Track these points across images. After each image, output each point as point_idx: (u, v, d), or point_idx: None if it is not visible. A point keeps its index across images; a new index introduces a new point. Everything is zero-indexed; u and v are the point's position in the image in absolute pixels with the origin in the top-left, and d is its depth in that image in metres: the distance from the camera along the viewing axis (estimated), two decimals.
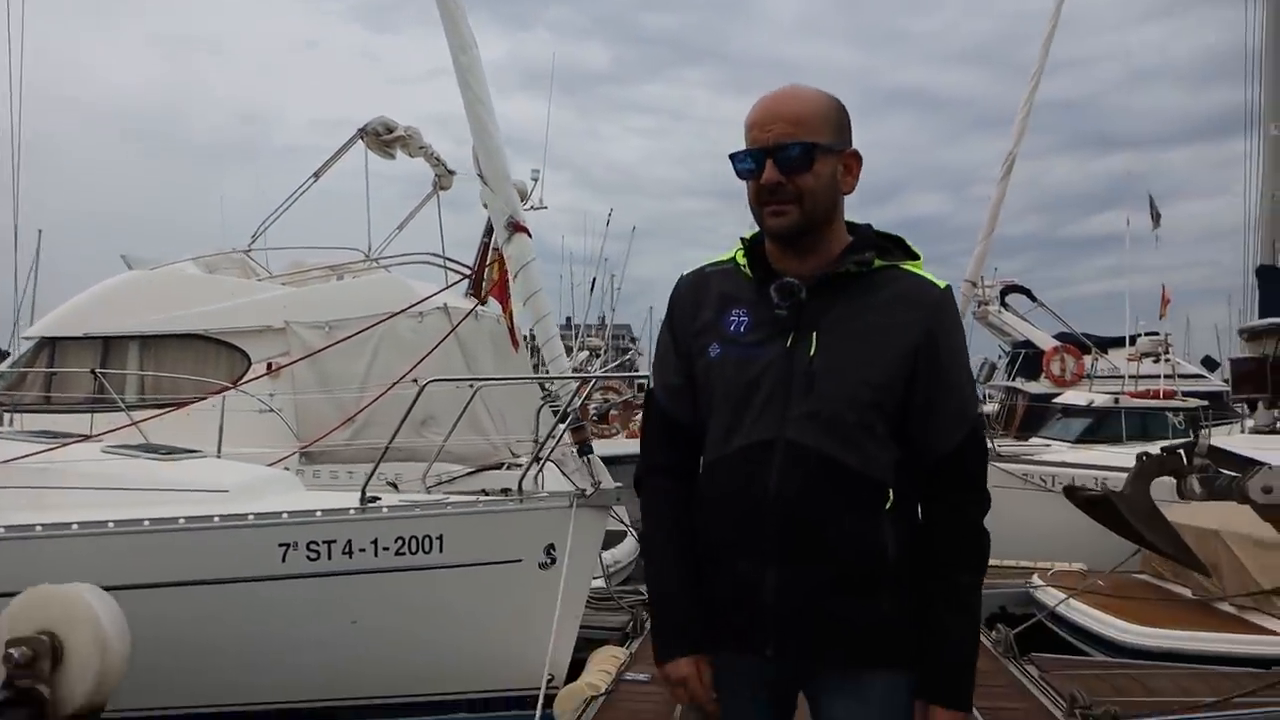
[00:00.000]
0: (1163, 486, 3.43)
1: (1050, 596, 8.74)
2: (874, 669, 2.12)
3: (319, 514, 6.01)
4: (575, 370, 15.64)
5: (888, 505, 2.09)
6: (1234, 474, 3.17)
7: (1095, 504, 3.59)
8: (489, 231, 11.87)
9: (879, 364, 2.10)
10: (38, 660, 1.41)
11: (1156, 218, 25.99)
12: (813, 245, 2.18)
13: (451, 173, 12.54)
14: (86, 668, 1.46)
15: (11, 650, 1.37)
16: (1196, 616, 7.77)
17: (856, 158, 2.20)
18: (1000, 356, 28.46)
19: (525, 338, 11.38)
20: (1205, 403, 17.23)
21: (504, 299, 11.34)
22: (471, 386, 8.34)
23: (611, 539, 10.39)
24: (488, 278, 11.53)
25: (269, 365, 10.47)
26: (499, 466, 10.01)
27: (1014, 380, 25.77)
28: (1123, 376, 20.93)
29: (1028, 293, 27.92)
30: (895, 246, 2.25)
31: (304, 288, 11.21)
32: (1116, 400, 17.44)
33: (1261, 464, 3.14)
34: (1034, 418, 21.57)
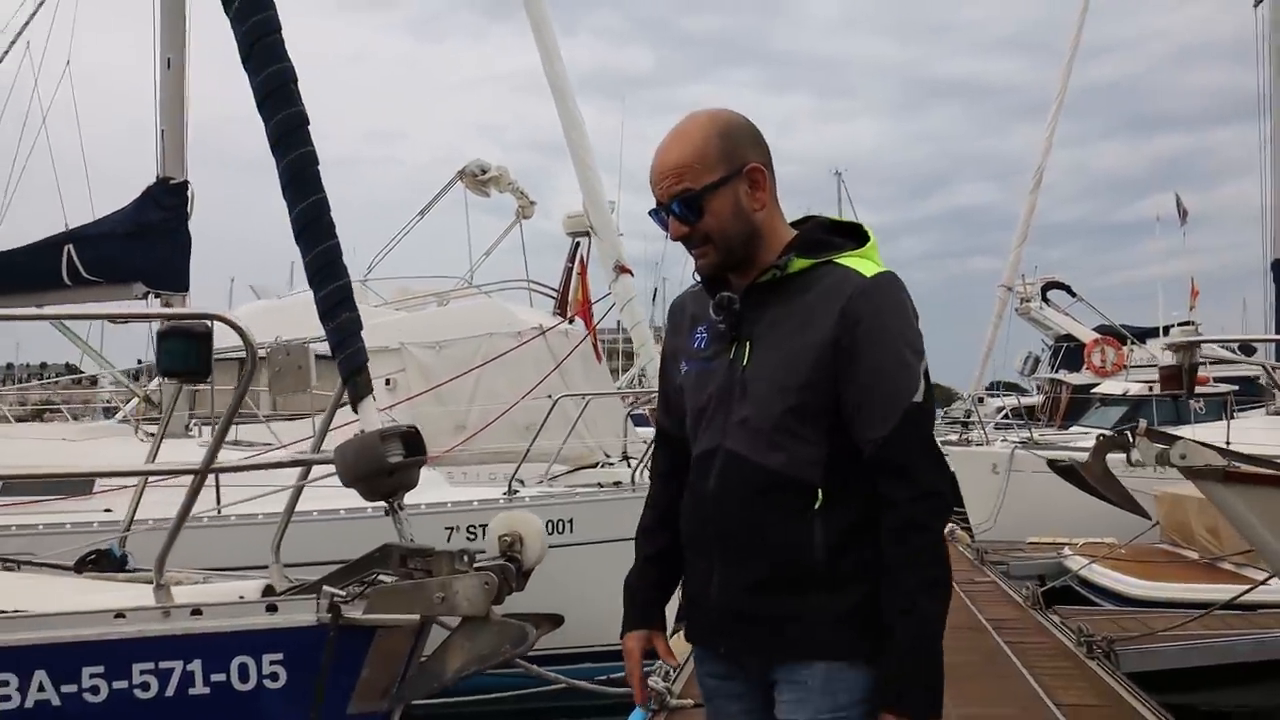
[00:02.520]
0: (1116, 460, 4.85)
1: (1077, 563, 10.15)
2: (811, 663, 2.10)
3: (475, 503, 7.56)
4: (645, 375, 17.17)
5: (816, 505, 2.09)
6: (1164, 446, 4.57)
7: (1067, 472, 5.03)
8: (572, 256, 13.48)
9: (797, 365, 2.10)
10: (514, 543, 2.81)
11: (1184, 214, 27.06)
12: (749, 259, 2.20)
13: (533, 203, 14.12)
14: (533, 546, 2.77)
15: (504, 536, 2.75)
16: (1197, 573, 9.19)
17: (759, 171, 2.18)
18: (1043, 350, 29.59)
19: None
20: (1235, 387, 18.32)
21: (588, 317, 12.87)
22: (583, 399, 9.97)
23: None
24: (573, 299, 13.08)
25: (387, 381, 12.07)
26: (594, 465, 11.49)
27: (1057, 373, 26.90)
28: (1157, 365, 22.01)
29: (1067, 289, 29.00)
30: (844, 237, 2.23)
31: (414, 313, 12.82)
32: (1150, 389, 18.59)
33: (1178, 438, 4.53)
34: (1077, 408, 22.66)
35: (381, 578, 3.02)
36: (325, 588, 2.99)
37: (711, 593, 2.22)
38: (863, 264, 2.16)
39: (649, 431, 14.16)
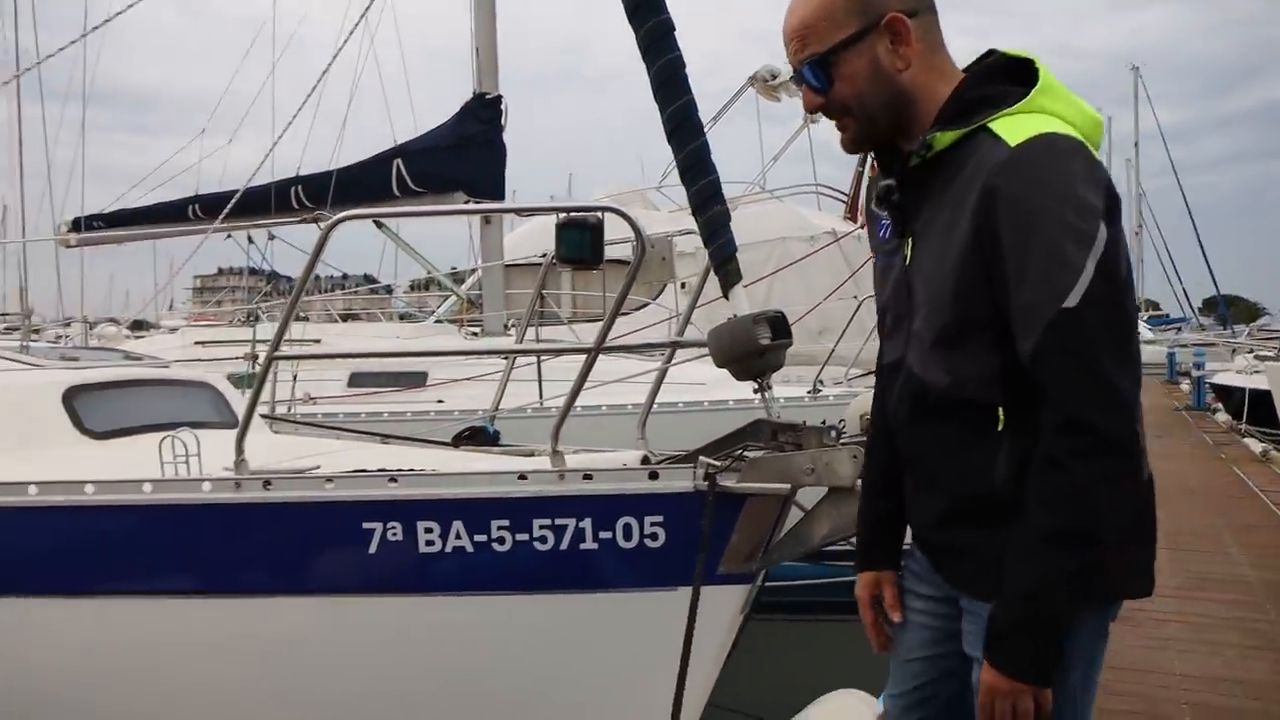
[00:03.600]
0: None
1: None
2: (987, 601, 1.79)
3: (781, 400, 7.78)
4: None
5: (998, 427, 1.77)
6: None
7: None
8: (863, 160, 13.35)
9: (946, 271, 1.78)
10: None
11: None
12: (904, 129, 1.88)
13: None
14: None
15: (865, 415, 2.97)
16: None
17: (900, 22, 1.81)
18: None
19: None
20: None
21: None
22: (856, 297, 10.06)
23: None
24: (864, 204, 13.02)
25: (682, 284, 12.47)
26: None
27: None
28: None
29: None
30: (1015, 81, 1.82)
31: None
32: None
33: None
34: None
35: (751, 451, 3.27)
36: (701, 458, 3.27)
37: (910, 515, 2.02)
38: (1016, 126, 1.74)
39: None
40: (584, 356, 3.39)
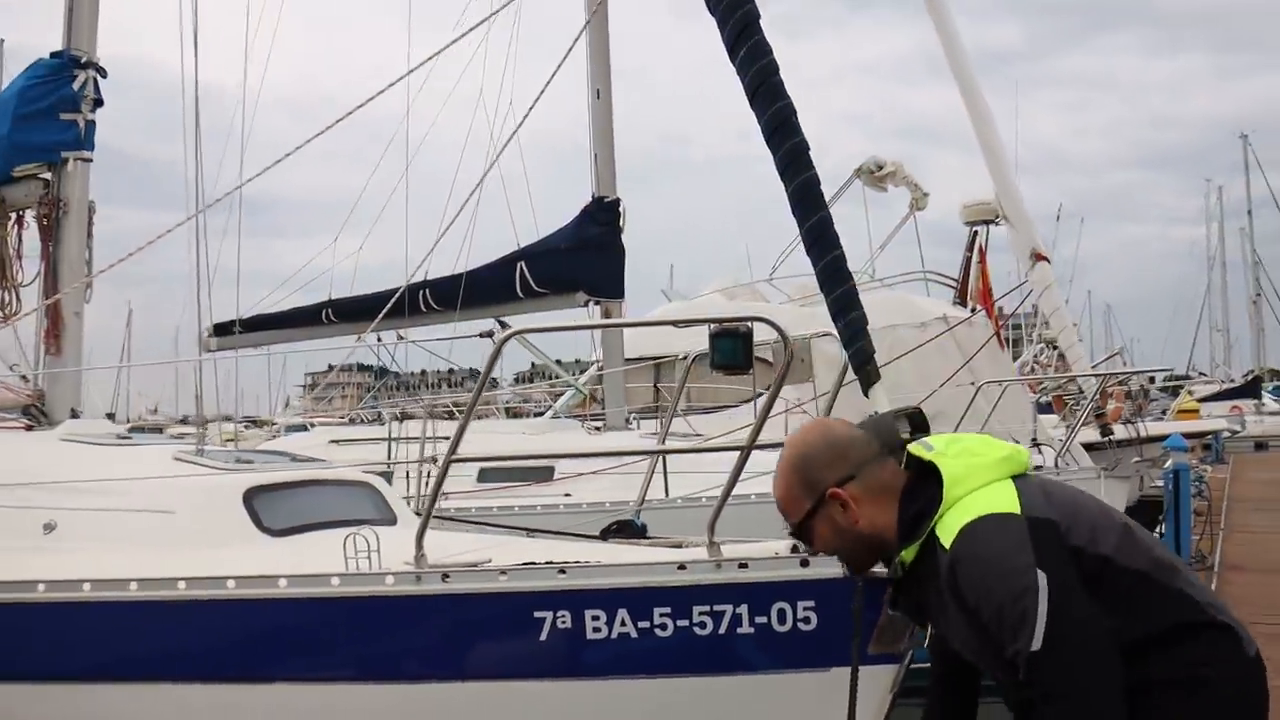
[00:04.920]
0: None
1: None
2: None
3: None
4: (1039, 361, 16.85)
5: None
6: None
7: None
8: (971, 245, 13.56)
9: (962, 643, 2.34)
10: None
11: None
12: (882, 556, 2.42)
13: (926, 195, 14.27)
14: None
15: None
16: None
17: (838, 495, 2.31)
18: None
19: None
20: None
21: (990, 306, 12.93)
22: (974, 383, 10.19)
23: None
24: (974, 288, 13.19)
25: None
26: None
27: None
28: None
29: None
30: (934, 490, 2.24)
31: (816, 307, 13.36)
32: None
33: None
34: None
35: None
36: None
37: None
38: (947, 528, 2.18)
39: (1052, 419, 13.98)
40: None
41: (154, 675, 4.22)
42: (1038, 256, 8.16)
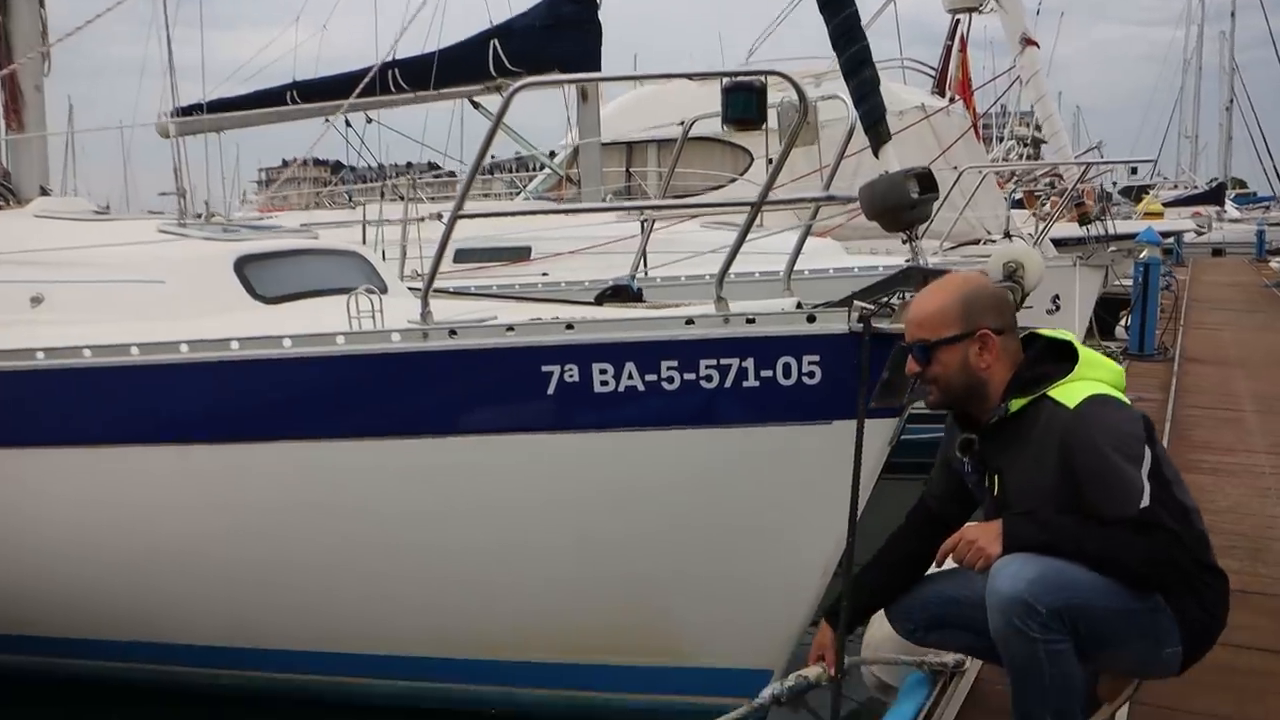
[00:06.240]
0: None
1: None
2: None
3: (880, 269, 8.04)
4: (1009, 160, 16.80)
5: None
6: None
7: None
8: (952, 34, 13.30)
9: (1040, 496, 2.46)
10: (1017, 269, 3.32)
11: None
12: (973, 404, 2.57)
13: None
14: (1033, 271, 3.27)
15: (1009, 263, 3.28)
16: None
17: (989, 337, 2.50)
18: None
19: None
20: None
21: (967, 96, 12.79)
22: (956, 168, 10.22)
23: None
24: (953, 78, 13.00)
25: (768, 161, 12.62)
26: (976, 242, 11.67)
27: None
28: None
29: None
30: (1058, 360, 2.52)
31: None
32: None
33: None
34: None
35: (905, 295, 3.57)
36: (856, 302, 3.58)
37: None
38: (1070, 392, 2.44)
39: (1022, 213, 14.05)
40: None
41: (158, 439, 4.28)
42: (1027, 41, 8.06)
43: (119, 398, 4.25)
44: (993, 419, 2.54)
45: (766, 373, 3.65)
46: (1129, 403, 2.50)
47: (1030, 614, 2.30)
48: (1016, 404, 2.50)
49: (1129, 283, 11.11)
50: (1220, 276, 22.24)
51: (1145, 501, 2.34)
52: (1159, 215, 24.96)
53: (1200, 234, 27.40)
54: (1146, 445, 2.42)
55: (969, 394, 2.56)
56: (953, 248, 11.41)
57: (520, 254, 9.89)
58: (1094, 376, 2.48)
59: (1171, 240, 22.83)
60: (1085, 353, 2.53)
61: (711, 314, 3.68)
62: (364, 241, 9.29)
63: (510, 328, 3.81)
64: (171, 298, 4.94)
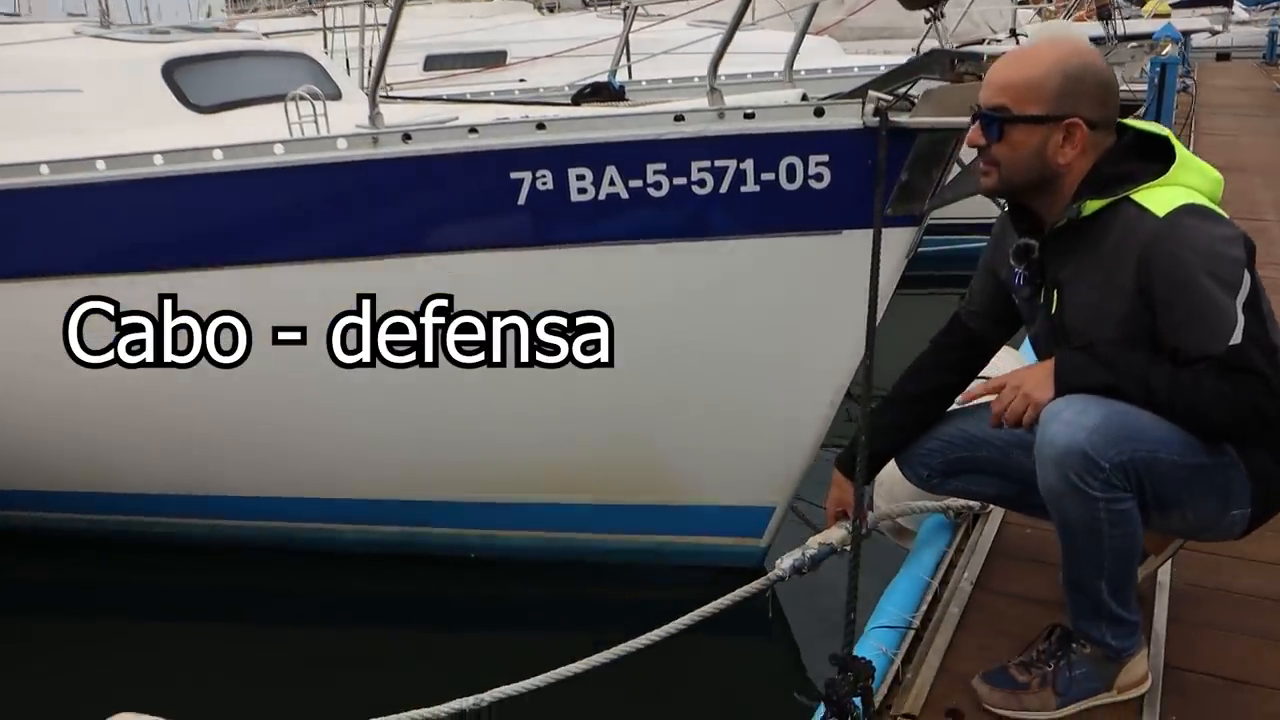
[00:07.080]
0: None
1: None
2: None
3: (882, 67, 7.46)
4: None
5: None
6: None
7: None
8: None
9: (1107, 317, 2.03)
10: None
11: None
12: (1036, 198, 2.12)
13: None
14: None
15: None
16: None
17: (1079, 127, 2.01)
18: None
19: None
20: None
21: None
22: None
23: None
24: None
25: None
26: (980, 42, 11.04)
27: None
28: None
29: None
30: (1148, 158, 2.05)
31: None
32: None
33: None
34: None
35: (926, 83, 3.06)
36: (871, 92, 3.06)
37: None
38: (1159, 198, 1.97)
39: (1029, 11, 13.31)
40: None
41: (74, 270, 3.83)
42: None
43: (27, 225, 3.77)
44: (1061, 221, 2.05)
45: (768, 176, 3.17)
46: (1228, 218, 2.00)
47: (1091, 469, 1.88)
48: (1092, 206, 2.01)
49: (1136, 88, 10.51)
50: (1230, 80, 21.37)
51: (1237, 339, 1.90)
52: (1167, 16, 23.93)
53: (1216, 34, 26.37)
54: (1246, 271, 1.94)
55: (1035, 187, 2.08)
56: (959, 45, 10.82)
57: (495, 59, 9.25)
58: (1190, 184, 2.00)
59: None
60: (1183, 153, 2.03)
61: (704, 109, 3.16)
62: (326, 51, 8.62)
63: (473, 129, 3.30)
64: (91, 108, 4.40)
